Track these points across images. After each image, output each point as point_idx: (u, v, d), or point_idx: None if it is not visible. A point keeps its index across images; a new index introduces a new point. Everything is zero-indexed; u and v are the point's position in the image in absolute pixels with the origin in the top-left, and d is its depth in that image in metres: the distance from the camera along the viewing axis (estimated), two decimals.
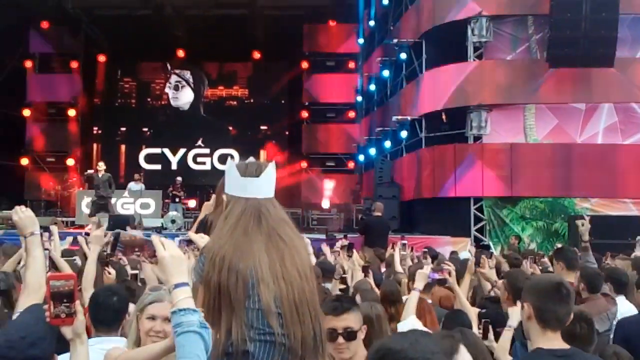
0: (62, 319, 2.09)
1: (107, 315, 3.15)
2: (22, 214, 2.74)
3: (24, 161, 21.12)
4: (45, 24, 21.38)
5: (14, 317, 2.45)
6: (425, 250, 8.61)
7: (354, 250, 7.25)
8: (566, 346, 2.81)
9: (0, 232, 2.90)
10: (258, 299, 2.09)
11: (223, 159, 22.09)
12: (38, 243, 2.76)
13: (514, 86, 13.65)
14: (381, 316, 3.47)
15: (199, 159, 22.46)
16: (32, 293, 2.63)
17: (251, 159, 2.39)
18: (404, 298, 4.55)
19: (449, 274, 4.49)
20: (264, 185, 2.27)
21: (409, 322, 3.97)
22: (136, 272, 5.52)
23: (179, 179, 17.91)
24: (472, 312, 4.26)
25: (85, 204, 15.82)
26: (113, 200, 15.94)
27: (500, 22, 13.82)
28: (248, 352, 2.06)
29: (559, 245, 9.07)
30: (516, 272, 4.84)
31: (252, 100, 23.25)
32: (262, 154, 22.63)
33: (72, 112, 21.49)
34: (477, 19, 13.58)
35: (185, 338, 1.76)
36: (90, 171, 16.07)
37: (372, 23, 20.10)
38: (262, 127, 22.94)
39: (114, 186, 15.01)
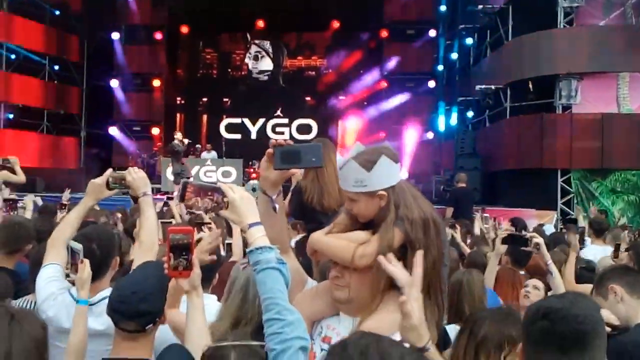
0: (179, 272, 2.15)
1: None
2: (136, 175, 2.83)
3: (112, 130, 21.91)
4: None
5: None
6: (500, 222, 8.43)
7: None
8: None
9: (113, 192, 2.97)
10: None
11: (301, 129, 22.25)
12: (150, 203, 2.85)
13: (606, 53, 13.03)
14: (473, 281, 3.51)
15: (278, 129, 22.63)
16: (146, 251, 2.73)
17: (360, 146, 2.22)
18: None
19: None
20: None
21: None
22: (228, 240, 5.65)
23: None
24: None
25: (169, 171, 16.29)
26: (196, 169, 16.61)
27: None
28: None
29: None
30: None
31: (330, 70, 23.15)
32: (340, 124, 22.61)
33: (156, 83, 22.08)
34: None
35: (266, 275, 1.77)
36: (175, 142, 16.35)
37: None
38: (341, 97, 22.81)
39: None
